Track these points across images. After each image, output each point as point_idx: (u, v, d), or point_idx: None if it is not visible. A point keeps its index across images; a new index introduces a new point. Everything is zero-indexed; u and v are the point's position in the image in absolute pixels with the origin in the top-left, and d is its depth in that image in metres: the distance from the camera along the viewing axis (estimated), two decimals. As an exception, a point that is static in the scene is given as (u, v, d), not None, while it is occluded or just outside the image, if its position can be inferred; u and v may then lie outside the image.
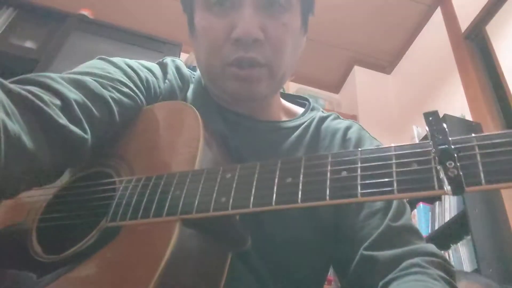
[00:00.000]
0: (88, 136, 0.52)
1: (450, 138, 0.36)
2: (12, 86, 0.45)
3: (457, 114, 2.46)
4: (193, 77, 0.76)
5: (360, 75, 3.66)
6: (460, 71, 2.73)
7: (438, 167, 0.36)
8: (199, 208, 0.44)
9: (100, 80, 0.58)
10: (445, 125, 0.37)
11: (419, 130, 2.75)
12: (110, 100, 0.57)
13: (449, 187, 0.35)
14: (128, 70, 0.65)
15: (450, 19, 2.99)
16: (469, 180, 0.34)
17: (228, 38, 0.62)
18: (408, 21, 3.36)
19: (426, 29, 3.32)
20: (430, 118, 0.38)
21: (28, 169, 0.45)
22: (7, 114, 0.41)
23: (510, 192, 2.08)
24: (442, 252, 2.30)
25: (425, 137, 2.43)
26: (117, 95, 0.59)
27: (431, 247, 0.60)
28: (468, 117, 2.48)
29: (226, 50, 0.62)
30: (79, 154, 0.52)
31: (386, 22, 3.36)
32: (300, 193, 0.40)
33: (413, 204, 2.49)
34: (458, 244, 2.11)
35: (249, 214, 0.48)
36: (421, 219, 2.40)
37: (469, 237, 2.02)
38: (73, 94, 0.52)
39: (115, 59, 0.66)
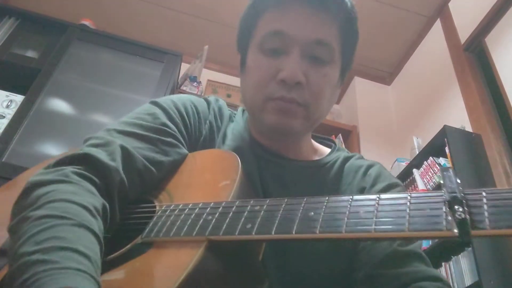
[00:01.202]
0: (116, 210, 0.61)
1: (461, 188, 0.40)
2: (76, 175, 0.56)
3: (457, 125, 2.46)
4: (234, 116, 0.84)
5: (360, 86, 3.67)
6: (459, 83, 2.74)
7: (447, 210, 0.39)
8: (226, 231, 0.49)
9: (146, 134, 0.68)
10: (458, 180, 0.42)
11: (419, 141, 2.73)
12: (143, 169, 0.64)
13: (456, 230, 0.38)
14: (174, 115, 0.73)
15: (450, 30, 3.00)
16: (475, 224, 0.38)
17: (274, 78, 0.69)
18: (408, 33, 3.38)
19: (425, 41, 3.33)
20: (445, 172, 0.43)
21: None
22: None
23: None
24: (443, 264, 2.27)
25: (426, 152, 2.47)
26: (160, 147, 0.68)
27: (435, 271, 0.64)
28: (468, 128, 2.48)
29: (271, 88, 0.69)
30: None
31: (386, 34, 3.38)
32: (319, 225, 0.44)
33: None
34: (459, 256, 2.10)
35: (276, 252, 0.59)
36: (421, 230, 2.37)
37: (470, 248, 2.00)
38: (117, 176, 0.60)
39: (165, 102, 0.74)
